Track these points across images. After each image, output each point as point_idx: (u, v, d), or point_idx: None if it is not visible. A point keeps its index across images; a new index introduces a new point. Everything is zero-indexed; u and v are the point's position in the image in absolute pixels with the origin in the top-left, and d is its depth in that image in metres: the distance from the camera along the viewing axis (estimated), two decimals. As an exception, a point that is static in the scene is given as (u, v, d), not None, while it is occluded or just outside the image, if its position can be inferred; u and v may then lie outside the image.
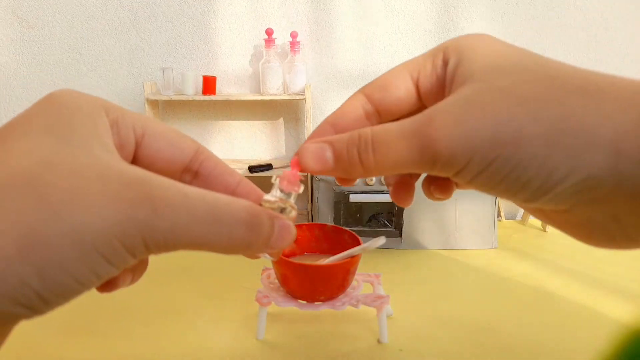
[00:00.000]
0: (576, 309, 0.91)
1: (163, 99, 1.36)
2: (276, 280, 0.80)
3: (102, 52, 1.46)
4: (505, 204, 1.49)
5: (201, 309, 0.91)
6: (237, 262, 1.10)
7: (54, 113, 0.18)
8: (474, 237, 1.24)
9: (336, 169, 0.22)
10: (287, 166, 1.47)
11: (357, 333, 0.82)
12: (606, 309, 0.90)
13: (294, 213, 0.22)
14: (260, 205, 0.22)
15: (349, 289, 0.78)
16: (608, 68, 1.44)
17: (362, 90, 0.24)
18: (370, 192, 1.21)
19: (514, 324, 0.86)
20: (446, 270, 1.11)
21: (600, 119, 0.17)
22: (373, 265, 1.11)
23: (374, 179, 1.20)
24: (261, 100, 1.41)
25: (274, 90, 1.37)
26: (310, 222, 1.14)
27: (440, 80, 0.22)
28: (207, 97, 1.36)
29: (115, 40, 1.45)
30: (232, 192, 0.22)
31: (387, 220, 1.25)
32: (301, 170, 0.22)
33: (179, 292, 0.97)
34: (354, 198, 1.20)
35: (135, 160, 0.21)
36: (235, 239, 0.18)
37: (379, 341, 0.79)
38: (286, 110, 1.50)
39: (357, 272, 0.78)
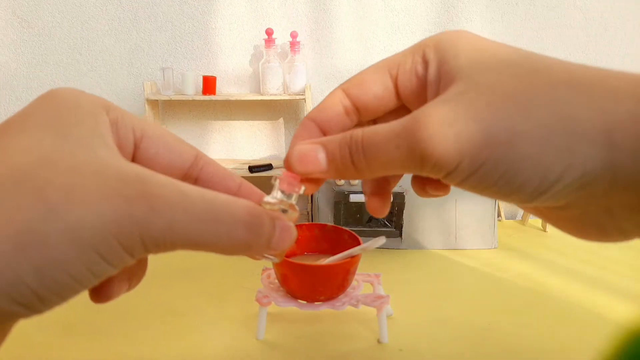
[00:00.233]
0: (576, 309, 0.91)
1: (163, 99, 1.36)
2: (276, 280, 0.80)
3: (102, 52, 1.46)
4: (505, 204, 1.49)
5: (201, 309, 0.91)
6: (237, 262, 1.10)
7: (54, 109, 0.18)
8: (474, 237, 1.24)
9: (329, 170, 0.21)
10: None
11: (357, 333, 0.82)
12: (606, 309, 0.90)
13: (295, 214, 0.22)
14: (262, 206, 0.21)
15: (349, 289, 0.78)
16: (608, 68, 1.44)
17: (341, 86, 0.23)
18: (370, 192, 1.21)
19: (514, 324, 0.86)
20: (446, 270, 1.11)
21: (591, 111, 0.17)
22: (373, 265, 1.11)
23: (374, 179, 1.20)
24: (261, 100, 1.41)
25: (274, 90, 1.37)
26: (310, 222, 1.14)
27: (420, 79, 0.21)
28: (207, 97, 1.36)
29: (115, 40, 1.45)
30: (234, 196, 0.23)
31: (387, 220, 1.25)
32: (292, 172, 0.22)
33: (179, 292, 0.97)
34: (354, 198, 1.20)
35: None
36: (235, 239, 0.18)
37: (379, 341, 0.79)
38: (286, 110, 1.50)
39: (357, 272, 0.78)
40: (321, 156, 0.21)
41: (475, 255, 1.19)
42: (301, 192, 0.22)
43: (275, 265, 0.76)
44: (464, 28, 1.42)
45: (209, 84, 1.36)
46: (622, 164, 0.16)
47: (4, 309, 0.15)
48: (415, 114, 0.19)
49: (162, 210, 0.17)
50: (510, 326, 0.85)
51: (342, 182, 1.21)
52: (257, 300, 0.78)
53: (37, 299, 0.16)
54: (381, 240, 0.73)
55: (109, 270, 0.17)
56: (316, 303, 0.75)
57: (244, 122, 1.52)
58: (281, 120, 1.51)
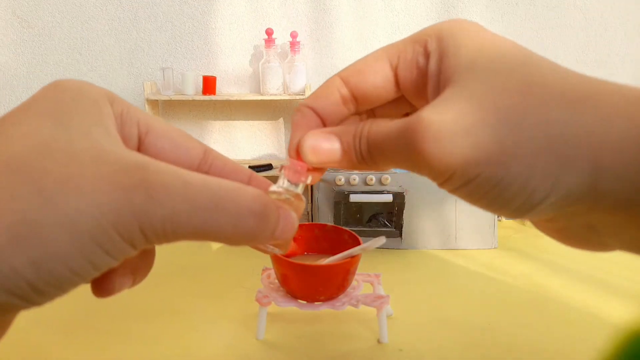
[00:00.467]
0: (576, 309, 0.91)
1: (163, 99, 1.36)
2: (276, 280, 0.80)
3: (102, 52, 1.46)
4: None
5: (201, 309, 0.91)
6: (237, 262, 1.10)
7: (57, 99, 0.18)
8: (474, 237, 1.24)
9: (342, 161, 0.21)
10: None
11: (357, 333, 0.82)
12: (606, 310, 0.90)
13: (301, 204, 0.22)
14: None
15: (349, 289, 0.78)
16: (608, 68, 1.44)
17: (339, 74, 0.23)
18: (370, 192, 1.21)
19: (514, 324, 0.86)
20: (446, 270, 1.11)
21: (581, 133, 0.17)
22: (373, 265, 1.11)
23: (373, 178, 1.20)
24: (261, 100, 1.41)
25: (274, 90, 1.37)
26: (310, 222, 1.14)
27: (421, 70, 0.21)
28: (207, 97, 1.36)
29: (115, 40, 1.45)
30: None
31: (387, 220, 1.25)
32: (300, 161, 0.22)
33: (179, 292, 0.97)
34: (354, 198, 1.20)
35: None
36: (241, 229, 0.17)
37: (379, 341, 0.79)
38: (286, 110, 1.50)
39: (357, 272, 0.78)
40: (336, 147, 0.21)
41: (475, 255, 1.19)
42: (308, 181, 0.22)
43: (275, 265, 0.76)
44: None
45: (209, 84, 1.36)
46: (606, 188, 0.16)
47: (1, 301, 0.15)
48: (414, 119, 0.19)
49: (162, 199, 0.16)
50: (510, 326, 0.85)
51: (342, 182, 1.21)
52: (257, 300, 0.78)
53: (34, 292, 0.15)
54: (381, 240, 0.73)
55: (109, 261, 0.16)
56: (316, 303, 0.75)
57: (244, 122, 1.52)
58: (281, 120, 1.51)
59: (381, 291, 0.83)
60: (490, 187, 0.17)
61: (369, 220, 1.26)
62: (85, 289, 0.19)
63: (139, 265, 0.20)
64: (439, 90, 0.20)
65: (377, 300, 0.77)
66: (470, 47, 0.19)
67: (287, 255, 0.81)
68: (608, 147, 0.16)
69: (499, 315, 0.89)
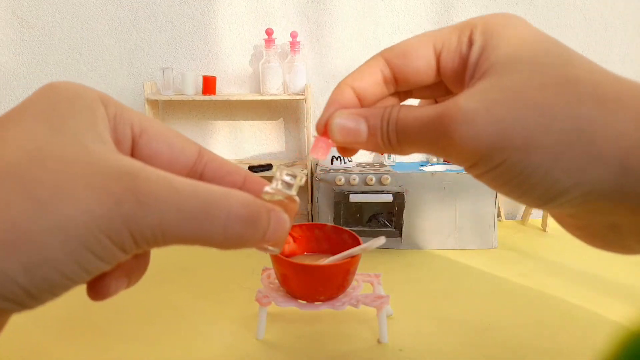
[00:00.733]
0: (576, 309, 0.91)
1: (163, 99, 1.36)
2: (276, 280, 0.80)
3: (102, 52, 1.46)
4: (505, 204, 1.49)
5: (201, 309, 0.91)
6: (237, 262, 1.10)
7: (51, 102, 0.18)
8: (474, 237, 1.24)
9: (367, 143, 0.22)
10: (289, 165, 1.46)
11: (357, 333, 0.82)
12: (606, 310, 0.90)
13: (294, 206, 0.22)
14: (261, 197, 0.21)
15: (349, 289, 0.78)
16: (608, 68, 1.43)
17: (382, 54, 0.23)
18: (370, 192, 1.21)
19: (514, 324, 0.86)
20: (446, 270, 1.11)
21: (609, 133, 0.17)
22: (373, 265, 1.11)
23: (373, 178, 1.20)
24: (261, 100, 1.41)
25: (274, 90, 1.37)
26: (310, 222, 1.14)
27: (463, 59, 0.21)
28: (207, 97, 1.36)
29: (115, 40, 1.45)
30: (240, 190, 0.22)
31: (387, 220, 1.25)
32: (328, 138, 0.22)
33: (179, 292, 0.97)
34: (354, 198, 1.20)
35: None
36: (230, 235, 0.18)
37: (379, 341, 0.79)
38: (286, 111, 1.50)
39: (357, 272, 0.78)
40: (363, 128, 0.22)
41: (475, 255, 1.19)
42: (302, 183, 0.22)
43: (275, 265, 0.76)
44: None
45: (209, 84, 1.36)
46: (632, 189, 0.17)
47: None
48: (446, 105, 0.19)
49: (151, 206, 0.16)
50: (510, 326, 0.85)
51: (342, 182, 1.21)
52: (257, 300, 0.78)
53: (27, 296, 0.16)
54: (381, 240, 0.73)
55: (101, 266, 0.17)
56: (316, 303, 0.75)
57: (244, 122, 1.52)
58: (281, 120, 1.51)
59: (381, 291, 0.83)
60: (514, 174, 0.18)
61: (369, 220, 1.26)
62: (85, 289, 0.19)
63: (133, 267, 0.21)
64: (477, 79, 0.20)
65: (377, 300, 0.77)
66: (512, 41, 0.20)
67: (287, 255, 0.81)
68: (635, 152, 0.16)
69: (499, 315, 0.89)
